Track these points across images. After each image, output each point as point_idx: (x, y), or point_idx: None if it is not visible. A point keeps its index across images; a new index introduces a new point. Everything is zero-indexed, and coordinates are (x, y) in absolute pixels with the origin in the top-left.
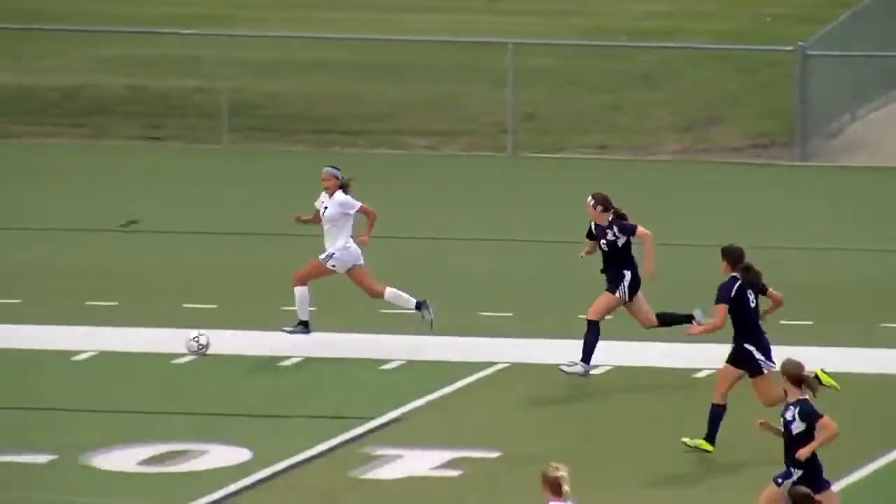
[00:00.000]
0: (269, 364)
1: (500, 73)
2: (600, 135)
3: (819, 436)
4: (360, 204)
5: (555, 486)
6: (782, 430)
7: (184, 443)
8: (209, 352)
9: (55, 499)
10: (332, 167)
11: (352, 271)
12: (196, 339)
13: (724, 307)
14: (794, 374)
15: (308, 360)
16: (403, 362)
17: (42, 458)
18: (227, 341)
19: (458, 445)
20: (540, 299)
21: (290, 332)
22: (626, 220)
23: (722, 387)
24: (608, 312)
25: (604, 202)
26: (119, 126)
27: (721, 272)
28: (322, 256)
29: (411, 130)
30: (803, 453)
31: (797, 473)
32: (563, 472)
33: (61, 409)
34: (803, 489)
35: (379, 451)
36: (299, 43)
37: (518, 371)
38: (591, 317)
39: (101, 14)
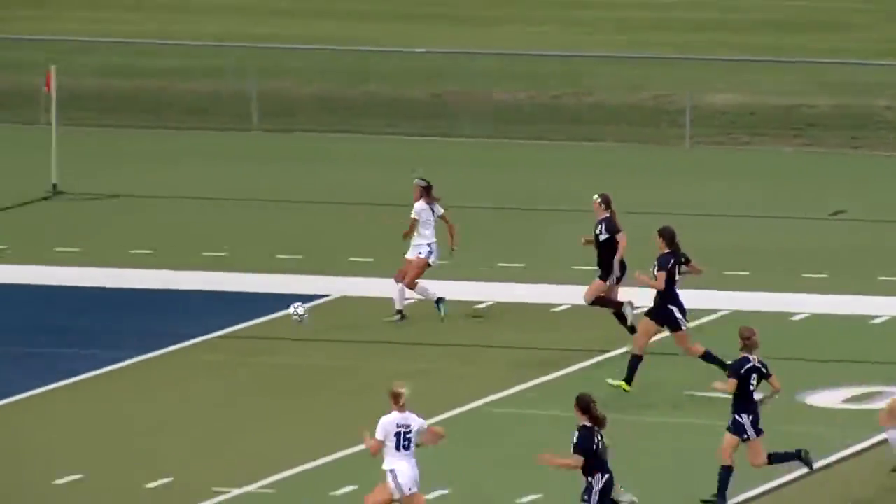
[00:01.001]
0: None
1: None
2: None
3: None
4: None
5: (396, 398)
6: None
7: (877, 386)
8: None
9: (772, 427)
10: (420, 179)
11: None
12: (295, 310)
13: (664, 273)
14: (745, 337)
15: None
16: None
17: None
18: None
19: None
20: None
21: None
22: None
23: (644, 339)
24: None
25: (604, 200)
26: (827, 137)
27: None
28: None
29: None
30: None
31: (745, 418)
32: (403, 389)
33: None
34: (586, 394)
35: None
36: None
37: None
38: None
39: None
